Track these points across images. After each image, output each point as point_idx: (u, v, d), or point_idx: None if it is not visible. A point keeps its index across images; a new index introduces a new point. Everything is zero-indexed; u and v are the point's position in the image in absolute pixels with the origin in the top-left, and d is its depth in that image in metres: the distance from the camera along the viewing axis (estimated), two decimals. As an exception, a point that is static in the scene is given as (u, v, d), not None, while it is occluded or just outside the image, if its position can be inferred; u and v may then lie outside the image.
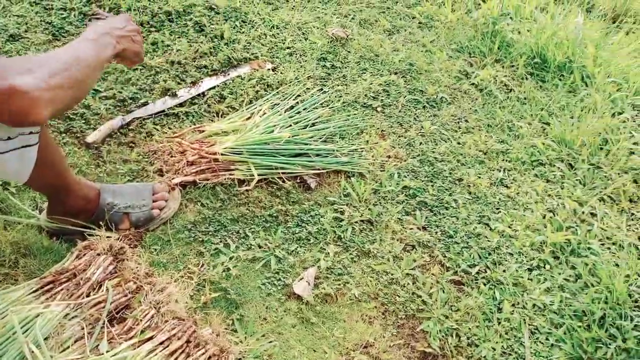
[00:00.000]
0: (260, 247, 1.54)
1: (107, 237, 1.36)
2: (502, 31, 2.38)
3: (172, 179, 1.60)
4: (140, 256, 1.36)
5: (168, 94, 1.88)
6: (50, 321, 1.15)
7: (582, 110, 2.11)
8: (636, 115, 2.17)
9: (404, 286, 1.51)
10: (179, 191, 1.59)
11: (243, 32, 2.18)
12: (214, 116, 1.85)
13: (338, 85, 2.08)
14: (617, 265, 1.63)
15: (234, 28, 2.18)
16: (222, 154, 1.66)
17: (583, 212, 1.77)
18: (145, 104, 1.83)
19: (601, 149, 2.00)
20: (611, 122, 2.07)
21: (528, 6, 2.57)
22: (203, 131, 1.75)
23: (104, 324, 1.18)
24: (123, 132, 1.74)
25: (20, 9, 2.01)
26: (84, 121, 1.73)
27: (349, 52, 2.23)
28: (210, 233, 1.53)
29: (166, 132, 1.76)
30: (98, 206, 1.44)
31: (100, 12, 1.29)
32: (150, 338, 1.18)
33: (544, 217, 1.74)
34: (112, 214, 1.45)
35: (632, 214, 1.82)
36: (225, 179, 1.65)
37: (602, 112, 2.11)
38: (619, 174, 1.92)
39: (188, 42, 2.06)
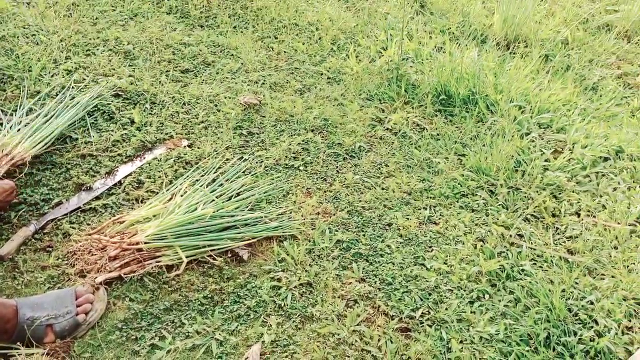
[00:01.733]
0: (198, 332, 1.47)
1: (30, 355, 1.26)
2: (406, 74, 2.49)
3: (95, 278, 1.53)
4: (67, 370, 1.27)
5: (82, 188, 1.82)
6: None
7: (492, 137, 2.22)
8: (543, 133, 2.30)
9: (352, 344, 1.48)
10: (104, 290, 1.51)
11: (154, 114, 2.16)
12: (133, 204, 1.80)
13: (258, 151, 2.09)
14: (551, 282, 1.68)
15: (144, 111, 2.16)
16: (145, 243, 1.60)
17: (510, 235, 1.83)
18: (59, 203, 1.76)
19: (516, 170, 2.09)
20: (521, 144, 2.18)
21: (426, 48, 2.72)
22: (123, 222, 1.69)
23: None
24: (38, 238, 1.66)
25: None
26: (-7, 233, 1.63)
27: (263, 116, 2.26)
28: (143, 328, 1.46)
29: (84, 229, 1.69)
30: (17, 324, 1.34)
31: None
32: None
33: (475, 247, 1.78)
34: (34, 328, 1.36)
35: (557, 228, 1.90)
36: (152, 267, 1.59)
37: (510, 135, 2.23)
38: (537, 191, 2.01)
39: (98, 132, 2.02)
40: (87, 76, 2.26)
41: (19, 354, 1.27)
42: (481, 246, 1.78)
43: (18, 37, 2.40)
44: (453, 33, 2.99)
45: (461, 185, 2.01)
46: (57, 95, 2.14)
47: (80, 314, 1.43)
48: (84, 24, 2.58)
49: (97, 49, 2.43)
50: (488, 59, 2.69)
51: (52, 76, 2.23)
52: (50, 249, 1.63)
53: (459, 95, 2.38)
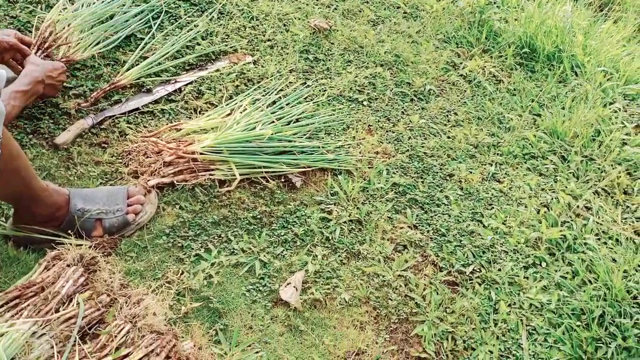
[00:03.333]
0: (244, 251, 1.45)
1: (78, 245, 1.26)
2: (489, 20, 2.31)
3: (148, 181, 1.50)
4: (114, 265, 1.26)
5: (142, 90, 1.78)
6: (16, 340, 1.06)
7: (573, 101, 2.06)
8: (627, 105, 2.13)
9: (396, 289, 1.44)
10: (155, 194, 1.49)
11: (221, 25, 2.07)
12: (191, 113, 1.75)
13: (322, 79, 1.99)
14: (614, 260, 1.58)
15: (211, 20, 2.07)
16: (201, 154, 1.56)
17: (578, 206, 1.72)
18: (118, 101, 1.73)
19: (593, 140, 1.95)
20: (603, 112, 2.02)
21: (514, -6, 2.51)
22: (180, 129, 1.65)
23: (75, 341, 1.09)
24: (94, 132, 1.64)
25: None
26: (52, 121, 1.62)
27: (332, 43, 2.14)
28: (190, 238, 1.44)
29: (141, 131, 1.66)
30: (68, 213, 1.34)
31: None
32: (127, 355, 1.09)
33: (538, 213, 1.68)
34: (84, 220, 1.36)
35: (627, 206, 1.77)
36: (205, 179, 1.55)
37: (593, 102, 2.06)
38: (612, 165, 1.87)
39: (163, 36, 1.95)
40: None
41: (68, 243, 1.27)
42: (545, 212, 1.68)
43: None
44: (545, -17, 2.74)
45: (532, 146, 1.89)
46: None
47: (131, 213, 1.42)
48: None
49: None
50: (580, 17, 2.47)
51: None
52: (106, 146, 1.61)
53: (543, 51, 2.20)
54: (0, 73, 1.07)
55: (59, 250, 1.24)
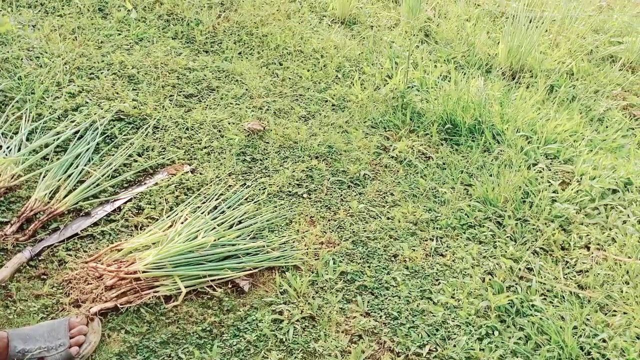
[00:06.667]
0: (196, 368, 1.41)
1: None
2: (411, 103, 2.47)
3: (90, 308, 1.47)
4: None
5: (81, 214, 1.78)
6: None
7: (499, 167, 2.18)
8: (550, 164, 2.27)
9: (356, 382, 1.42)
10: (98, 321, 1.45)
11: (156, 139, 2.13)
12: (132, 230, 1.75)
13: (261, 178, 2.05)
14: (562, 318, 1.62)
15: (146, 136, 2.13)
16: (143, 272, 1.55)
17: (520, 269, 1.78)
18: (56, 229, 1.72)
19: (524, 202, 2.05)
20: (528, 174, 2.15)
21: (431, 76, 2.71)
22: (121, 249, 1.64)
23: None
24: (33, 265, 1.61)
25: None
26: (-13, 259, 1.58)
27: (267, 143, 2.23)
28: (138, 363, 1.40)
29: (81, 257, 1.64)
30: (7, 358, 1.29)
31: None
32: None
33: (483, 281, 1.73)
34: (24, 361, 1.30)
35: (567, 261, 1.85)
36: (149, 298, 1.53)
37: (517, 166, 2.19)
38: (545, 224, 1.97)
39: (99, 157, 1.98)
40: (90, 99, 2.24)
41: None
42: (489, 280, 1.72)
43: (22, 59, 2.39)
44: (458, 62, 2.98)
45: (468, 216, 1.97)
46: (59, 118, 2.11)
47: (74, 346, 1.37)
48: (89, 47, 2.57)
49: (101, 73, 2.41)
50: (493, 89, 2.67)
51: (55, 99, 2.21)
52: (45, 277, 1.58)
53: (464, 125, 2.35)
54: None
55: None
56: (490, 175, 2.14)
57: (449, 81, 2.67)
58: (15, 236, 1.66)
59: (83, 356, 1.38)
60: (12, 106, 2.13)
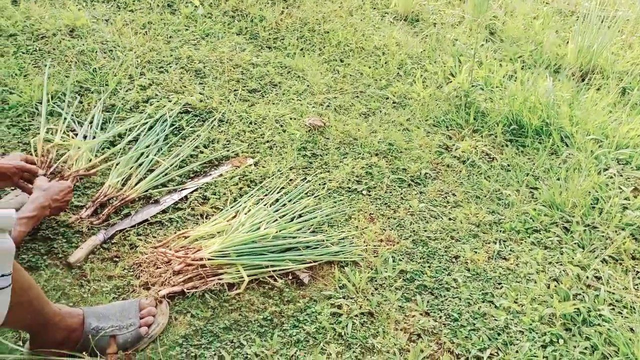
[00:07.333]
0: (257, 355, 1.44)
1: (93, 365, 1.27)
2: (475, 102, 2.42)
3: (159, 291, 1.53)
4: (128, 383, 1.26)
5: (150, 201, 1.85)
6: None
7: (567, 171, 2.11)
8: (622, 170, 2.17)
9: (414, 381, 1.41)
10: (166, 304, 1.51)
11: (221, 132, 2.19)
12: (198, 219, 1.81)
13: (321, 173, 2.07)
14: (632, 330, 1.55)
15: (212, 129, 2.19)
16: (209, 259, 1.60)
17: (587, 277, 1.71)
18: (127, 214, 1.80)
19: (593, 208, 1.98)
20: (599, 179, 2.07)
21: (496, 75, 2.64)
22: (188, 237, 1.70)
23: None
24: (106, 247, 1.69)
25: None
26: (65, 240, 1.67)
27: (327, 139, 2.24)
28: (203, 346, 1.44)
29: (150, 242, 1.71)
30: (83, 333, 1.36)
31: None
32: None
33: (548, 287, 1.68)
34: (99, 339, 1.37)
35: (637, 272, 1.77)
36: (214, 284, 1.58)
37: (587, 170, 2.11)
38: (616, 231, 1.89)
39: (168, 147, 2.06)
40: (160, 92, 2.33)
41: (82, 363, 1.28)
42: (555, 286, 1.67)
43: (96, 52, 2.51)
44: (524, 61, 2.90)
45: (533, 220, 1.91)
46: (130, 110, 2.21)
47: (143, 326, 1.43)
48: (158, 41, 2.67)
49: (170, 67, 2.50)
50: (562, 90, 2.58)
51: (127, 91, 2.31)
52: (117, 259, 1.66)
53: (531, 126, 2.28)
54: (11, 214, 1.12)
55: (73, 372, 1.24)
56: (558, 179, 2.07)
57: (514, 81, 2.60)
58: (90, 219, 1.75)
59: (152, 336, 1.44)
60: (87, 96, 2.24)
